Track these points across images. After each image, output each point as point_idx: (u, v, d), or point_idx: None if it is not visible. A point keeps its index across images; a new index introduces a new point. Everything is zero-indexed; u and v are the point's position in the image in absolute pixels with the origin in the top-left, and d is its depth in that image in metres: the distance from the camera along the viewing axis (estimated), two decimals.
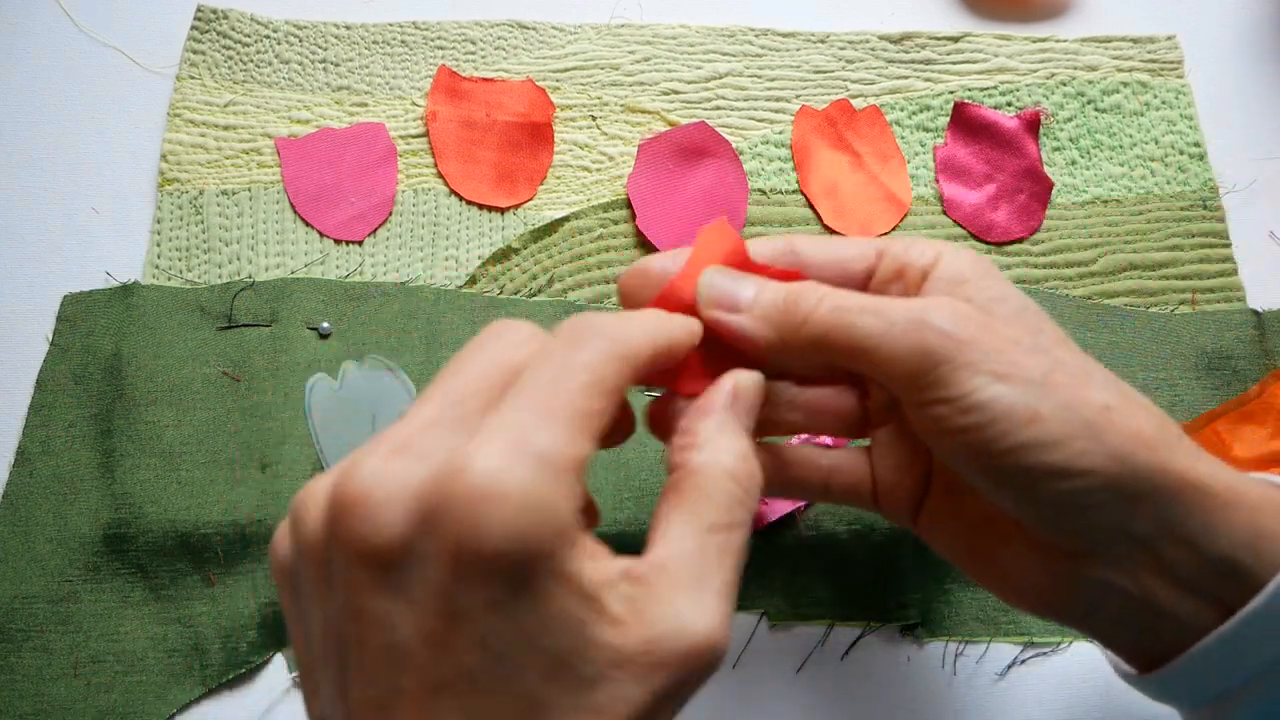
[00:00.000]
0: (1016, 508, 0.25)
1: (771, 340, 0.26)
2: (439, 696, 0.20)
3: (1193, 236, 0.44)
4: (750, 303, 0.26)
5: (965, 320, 0.25)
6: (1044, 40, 0.48)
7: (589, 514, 0.26)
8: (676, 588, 0.21)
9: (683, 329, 0.25)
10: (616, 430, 0.26)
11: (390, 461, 0.20)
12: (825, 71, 0.47)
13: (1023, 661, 0.36)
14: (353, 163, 0.45)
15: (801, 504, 0.38)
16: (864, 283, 0.28)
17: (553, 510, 0.20)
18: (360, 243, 0.43)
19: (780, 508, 0.37)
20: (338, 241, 0.43)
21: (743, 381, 0.25)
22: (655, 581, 0.21)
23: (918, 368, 0.24)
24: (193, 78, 0.46)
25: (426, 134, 0.45)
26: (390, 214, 0.44)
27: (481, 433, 0.20)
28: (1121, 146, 0.46)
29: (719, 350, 0.26)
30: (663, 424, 0.26)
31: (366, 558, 0.20)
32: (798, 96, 0.47)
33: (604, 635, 0.20)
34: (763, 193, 0.45)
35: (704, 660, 0.21)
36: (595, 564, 0.21)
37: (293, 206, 0.44)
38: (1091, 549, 0.25)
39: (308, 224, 0.43)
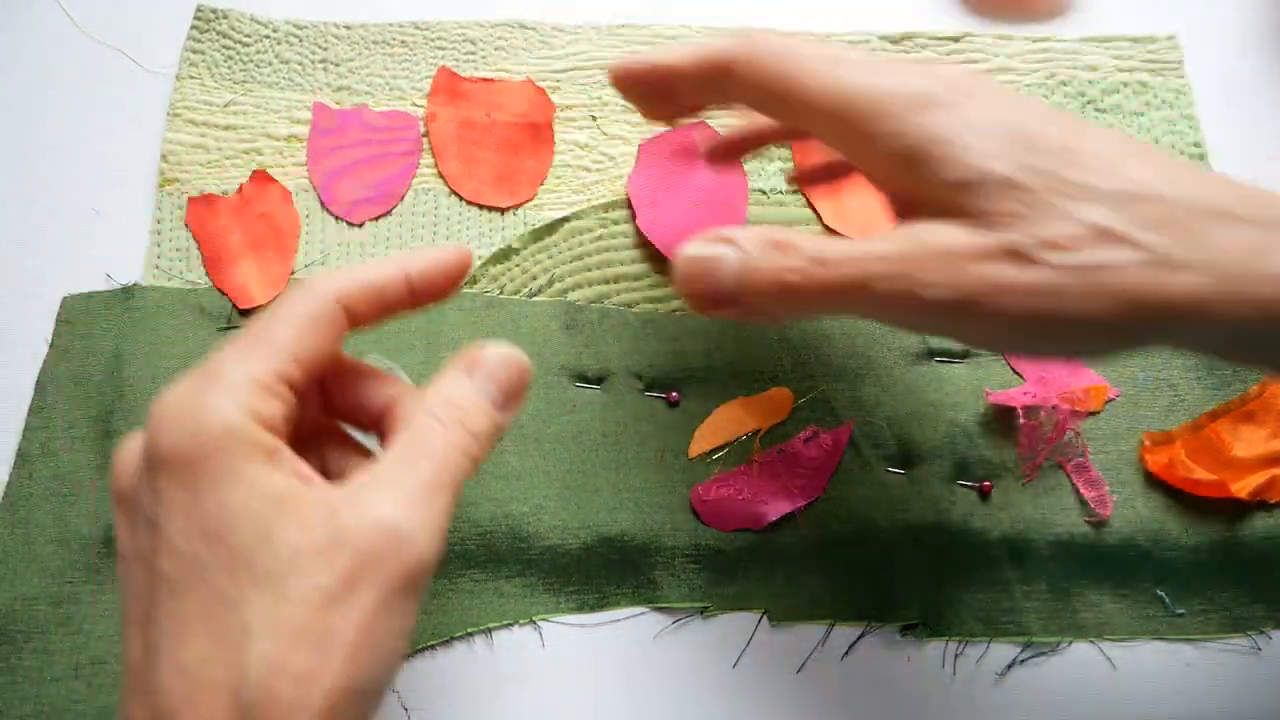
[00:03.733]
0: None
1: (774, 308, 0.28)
2: (154, 612, 0.22)
3: None
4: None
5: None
6: (1044, 40, 0.48)
7: (310, 434, 0.28)
8: (371, 490, 0.24)
9: (406, 268, 0.27)
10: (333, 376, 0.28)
11: (136, 433, 0.25)
12: None
13: (1023, 661, 0.36)
14: (378, 147, 0.45)
15: (801, 504, 0.38)
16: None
17: (219, 419, 0.23)
18: (359, 226, 0.44)
19: (780, 507, 0.38)
20: (337, 219, 0.44)
21: (489, 354, 0.27)
22: (354, 487, 0.24)
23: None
24: (193, 78, 0.46)
25: (426, 134, 0.45)
26: (394, 207, 0.44)
27: (187, 375, 0.24)
28: None
29: None
30: None
31: (120, 503, 0.24)
32: None
33: (289, 531, 0.22)
34: (763, 193, 0.45)
35: (383, 536, 0.23)
36: (287, 476, 0.23)
37: (307, 173, 0.44)
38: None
39: (321, 200, 0.44)
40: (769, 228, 0.28)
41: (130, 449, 0.25)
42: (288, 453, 0.24)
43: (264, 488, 0.23)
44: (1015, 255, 0.24)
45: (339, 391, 0.28)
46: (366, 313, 0.26)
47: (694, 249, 0.28)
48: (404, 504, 0.23)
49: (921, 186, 0.26)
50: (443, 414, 0.25)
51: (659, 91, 0.31)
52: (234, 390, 0.23)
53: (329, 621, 0.22)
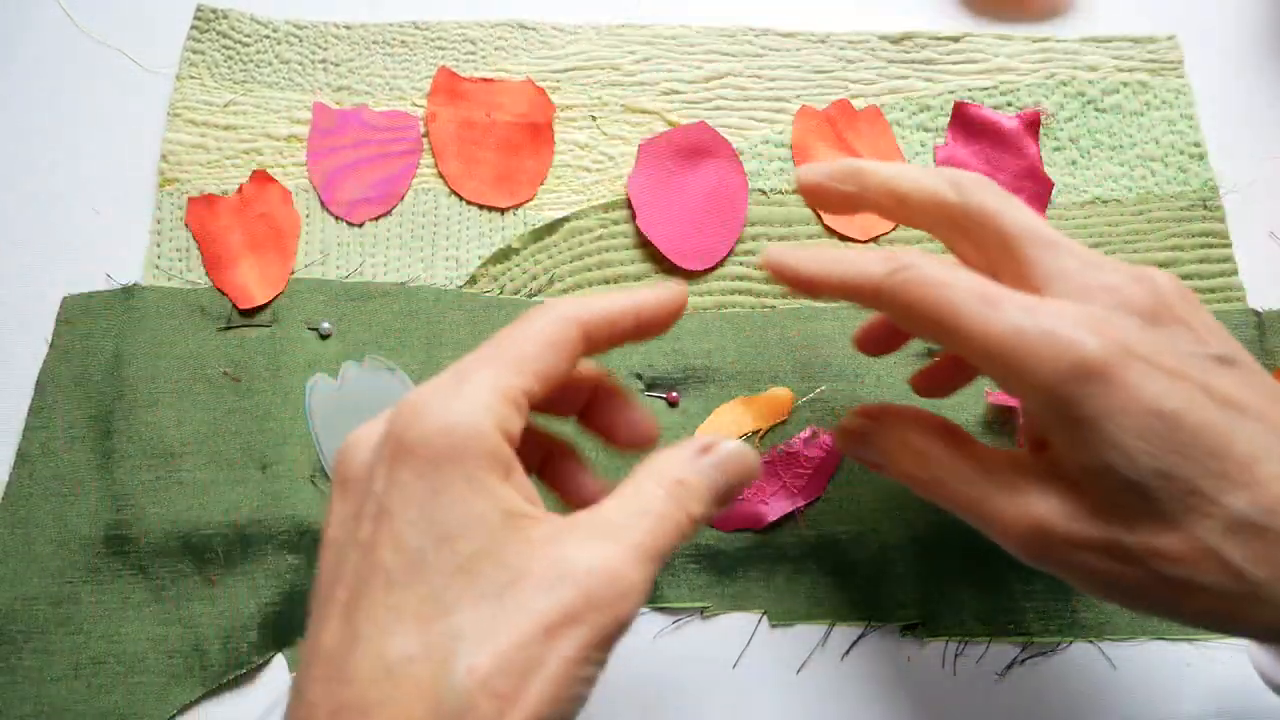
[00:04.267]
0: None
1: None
2: (363, 600, 0.22)
3: (1193, 236, 0.44)
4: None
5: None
6: (1044, 40, 0.48)
7: (536, 454, 0.29)
8: (591, 533, 0.24)
9: (638, 304, 0.28)
10: (569, 396, 0.29)
11: (375, 420, 0.25)
12: (825, 71, 0.47)
13: (1023, 661, 0.36)
14: (378, 148, 0.45)
15: (801, 504, 0.38)
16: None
17: (471, 421, 0.23)
18: (359, 225, 0.44)
19: (780, 507, 0.38)
20: (337, 219, 0.44)
21: (727, 445, 0.27)
22: (576, 527, 0.24)
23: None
24: (193, 78, 0.46)
25: (426, 134, 0.45)
26: (394, 207, 0.44)
27: (435, 377, 0.25)
28: (1121, 146, 0.46)
29: None
30: None
31: (345, 486, 0.25)
32: (798, 96, 0.47)
33: (514, 549, 0.23)
34: (763, 193, 0.45)
35: (609, 584, 0.23)
36: (520, 496, 0.24)
37: (307, 173, 0.44)
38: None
39: (321, 200, 0.44)
40: (912, 423, 0.30)
41: (365, 434, 0.25)
42: (520, 472, 0.24)
43: (500, 502, 0.23)
44: (1118, 553, 0.25)
45: (594, 413, 0.29)
46: (599, 342, 0.27)
47: (849, 421, 0.32)
48: (628, 559, 0.23)
49: (1057, 446, 0.26)
50: (670, 486, 0.25)
51: (806, 294, 0.31)
52: (485, 397, 0.24)
53: (539, 652, 0.22)
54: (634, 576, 0.23)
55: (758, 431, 0.39)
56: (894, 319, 0.28)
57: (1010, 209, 0.29)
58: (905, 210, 0.30)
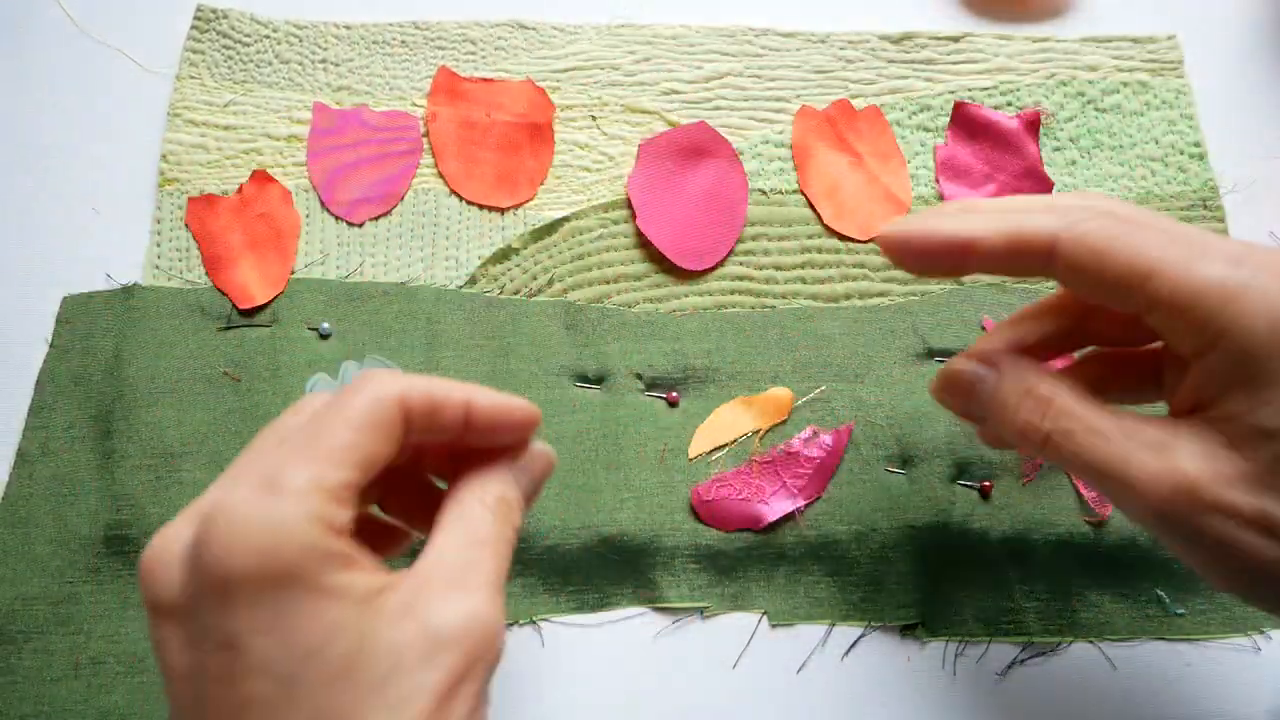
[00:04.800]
0: None
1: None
2: None
3: None
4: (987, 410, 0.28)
5: (1189, 511, 0.24)
6: (1044, 40, 0.48)
7: (373, 533, 0.28)
8: (446, 585, 0.23)
9: (470, 397, 0.26)
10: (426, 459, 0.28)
11: (171, 526, 0.23)
12: (825, 71, 0.47)
13: (1023, 661, 0.36)
14: (378, 148, 0.45)
15: (801, 504, 0.38)
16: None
17: (293, 531, 0.21)
18: (359, 225, 0.44)
19: (780, 507, 0.38)
20: (337, 219, 0.44)
21: (534, 450, 0.27)
22: (428, 582, 0.23)
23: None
24: (193, 78, 0.46)
25: (426, 134, 0.45)
26: (394, 207, 0.44)
27: (238, 479, 0.23)
28: (1121, 146, 0.46)
29: None
30: None
31: (158, 613, 0.23)
32: (798, 96, 0.47)
33: (384, 634, 0.22)
34: (763, 193, 0.45)
35: (482, 636, 0.23)
36: (366, 576, 0.23)
37: (307, 173, 0.44)
38: None
39: (321, 200, 0.44)
40: (1034, 369, 0.27)
41: (163, 553, 0.23)
42: (359, 555, 0.23)
43: (348, 595, 0.22)
44: (1266, 526, 0.23)
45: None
46: (420, 426, 0.25)
47: (960, 363, 0.29)
48: (487, 601, 0.23)
49: (1232, 405, 0.24)
50: (494, 505, 0.25)
51: (946, 262, 0.28)
52: (304, 502, 0.22)
53: (446, 714, 0.22)
54: (496, 616, 0.23)
55: (758, 431, 0.39)
56: (1068, 274, 0.26)
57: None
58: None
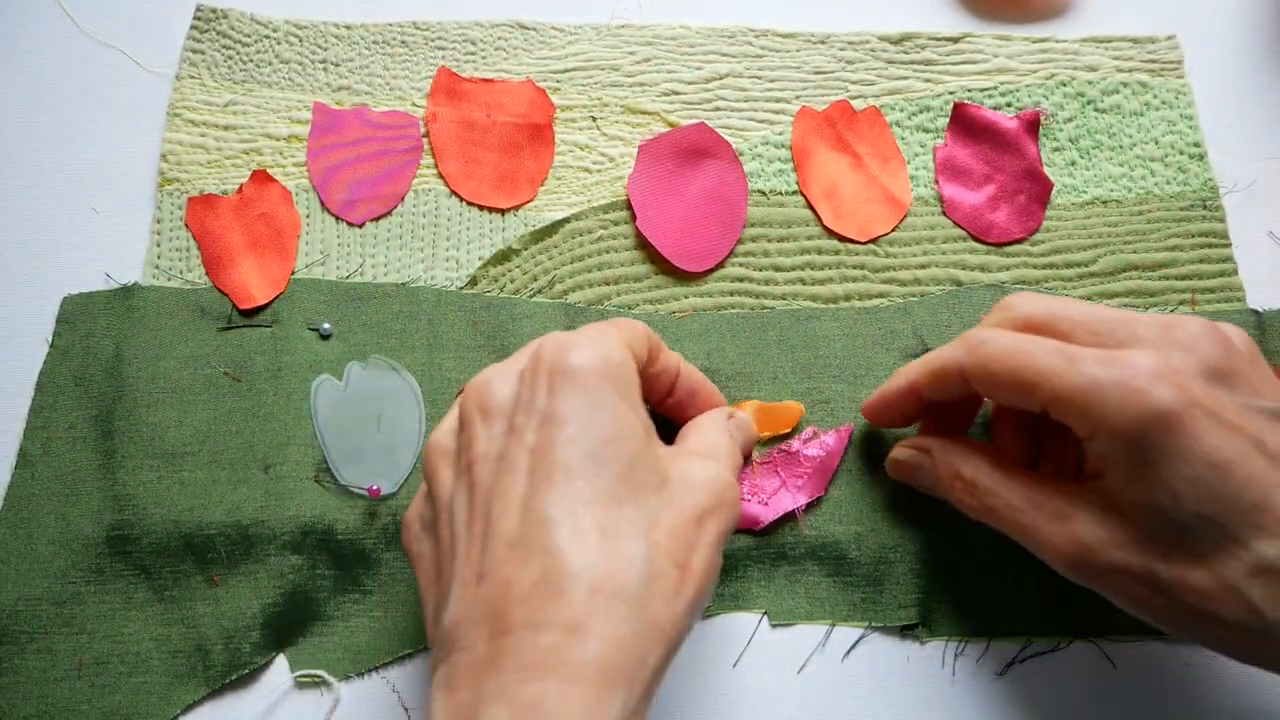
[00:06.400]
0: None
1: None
2: (542, 492, 0.26)
3: (1193, 236, 0.44)
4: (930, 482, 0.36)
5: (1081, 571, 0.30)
6: (1044, 40, 0.48)
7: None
8: (698, 456, 0.31)
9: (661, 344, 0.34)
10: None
11: (496, 367, 0.30)
12: (825, 72, 0.47)
13: (1022, 661, 0.36)
14: (378, 147, 0.45)
15: (802, 504, 0.38)
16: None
17: (619, 355, 0.29)
18: (359, 226, 0.44)
19: (780, 507, 0.38)
20: (337, 219, 0.44)
21: (741, 415, 0.37)
22: (686, 451, 0.31)
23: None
24: (192, 78, 0.46)
25: (427, 135, 0.45)
26: (394, 207, 0.44)
27: (547, 339, 0.30)
28: (1121, 147, 0.46)
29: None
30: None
31: (489, 413, 0.29)
32: (798, 97, 0.47)
33: (656, 459, 0.28)
34: (763, 194, 0.45)
35: (724, 488, 0.29)
36: (647, 416, 0.29)
37: (307, 173, 0.44)
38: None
39: (321, 200, 0.44)
40: (959, 451, 0.34)
41: (500, 372, 0.29)
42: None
43: (642, 419, 0.29)
44: (1150, 581, 0.28)
45: None
46: (654, 355, 0.33)
47: (900, 452, 0.37)
48: (730, 473, 0.31)
49: (1113, 480, 0.29)
50: (721, 430, 0.34)
51: (909, 406, 0.36)
52: (621, 344, 0.29)
53: (695, 534, 0.27)
54: (736, 487, 0.30)
55: (760, 438, 0.39)
56: (980, 389, 0.32)
57: (1069, 310, 0.32)
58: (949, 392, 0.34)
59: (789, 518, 0.38)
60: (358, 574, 0.37)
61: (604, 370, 0.28)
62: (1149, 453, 0.27)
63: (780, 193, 0.45)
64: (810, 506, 0.38)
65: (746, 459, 0.38)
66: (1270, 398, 0.29)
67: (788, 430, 0.40)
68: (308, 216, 0.44)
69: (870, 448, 0.39)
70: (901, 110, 0.46)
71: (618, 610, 0.25)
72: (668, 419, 0.36)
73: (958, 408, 0.37)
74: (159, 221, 0.43)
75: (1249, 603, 0.27)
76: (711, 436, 0.33)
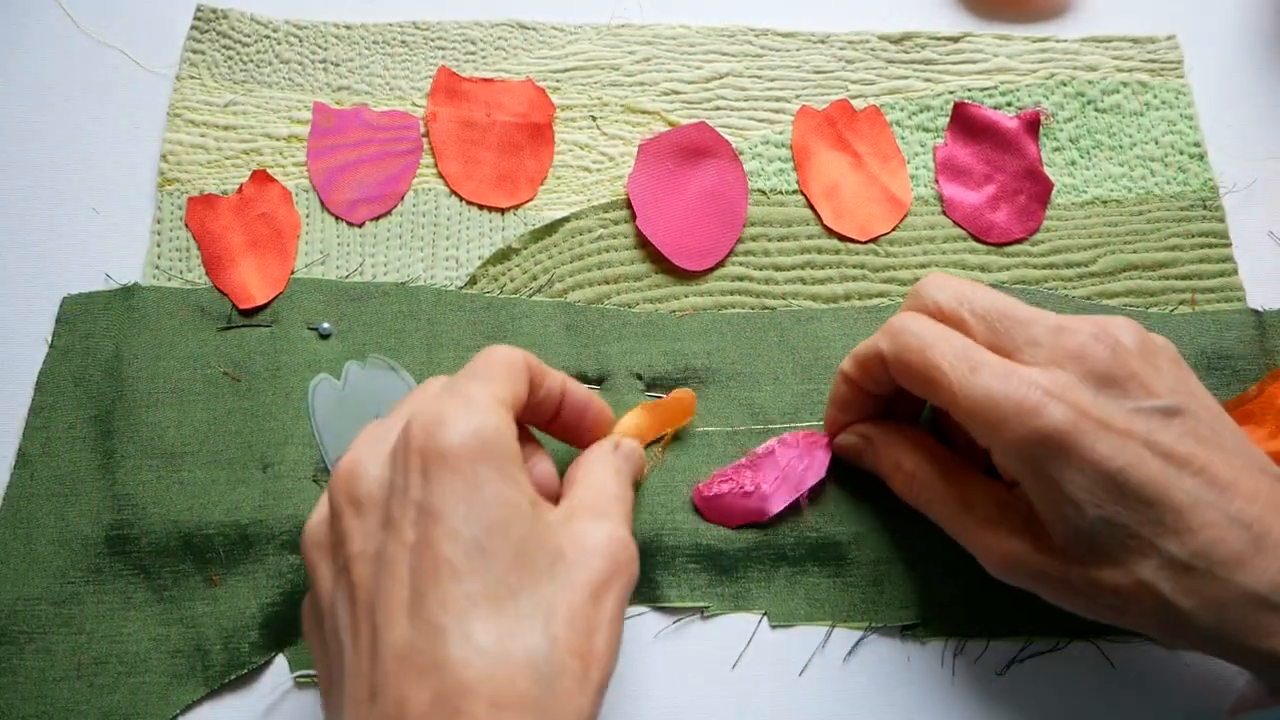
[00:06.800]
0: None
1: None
2: (431, 595, 0.24)
3: (1193, 236, 0.44)
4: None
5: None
6: (1044, 40, 0.48)
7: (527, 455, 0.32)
8: (590, 514, 0.29)
9: (553, 373, 0.33)
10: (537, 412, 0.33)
11: (358, 447, 0.28)
12: (825, 71, 0.47)
13: (1022, 661, 0.36)
14: (378, 147, 0.45)
15: (805, 492, 0.37)
16: None
17: (493, 424, 0.27)
18: (359, 225, 0.44)
19: (782, 499, 0.37)
20: (337, 219, 0.44)
21: (625, 444, 0.34)
22: (576, 510, 0.29)
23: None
24: (193, 78, 0.46)
25: (427, 134, 0.45)
26: (394, 207, 0.44)
27: (417, 404, 0.28)
28: (1121, 146, 0.46)
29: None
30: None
31: (355, 507, 0.27)
32: (798, 96, 0.47)
33: (546, 533, 0.27)
34: (763, 193, 0.45)
35: (621, 550, 0.28)
36: (529, 485, 0.27)
37: (307, 173, 0.44)
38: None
39: (321, 200, 0.44)
40: (901, 443, 0.35)
41: (365, 456, 0.28)
42: (525, 471, 0.28)
43: (526, 491, 0.27)
44: (1068, 583, 0.30)
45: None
46: (535, 383, 0.31)
47: (844, 439, 0.37)
48: (626, 529, 0.29)
49: (1027, 490, 0.30)
50: (619, 476, 0.32)
51: (852, 393, 0.36)
52: (493, 405, 0.27)
53: (594, 613, 0.26)
54: (630, 540, 0.29)
55: (661, 438, 0.39)
56: (898, 379, 0.32)
57: (974, 301, 0.32)
58: (879, 383, 0.34)
59: (794, 507, 0.38)
60: None
61: (478, 449, 0.26)
62: (1045, 467, 0.28)
63: (780, 192, 0.45)
64: (814, 497, 0.38)
65: (638, 487, 0.37)
66: (1164, 394, 0.29)
67: (686, 421, 0.39)
68: (308, 216, 0.44)
69: None
70: (901, 110, 0.46)
71: None
72: (557, 439, 0.35)
73: (907, 399, 0.36)
74: (159, 221, 0.43)
75: (1162, 597, 0.28)
76: (600, 479, 0.31)
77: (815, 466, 0.38)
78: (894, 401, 0.36)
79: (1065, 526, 0.29)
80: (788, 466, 0.38)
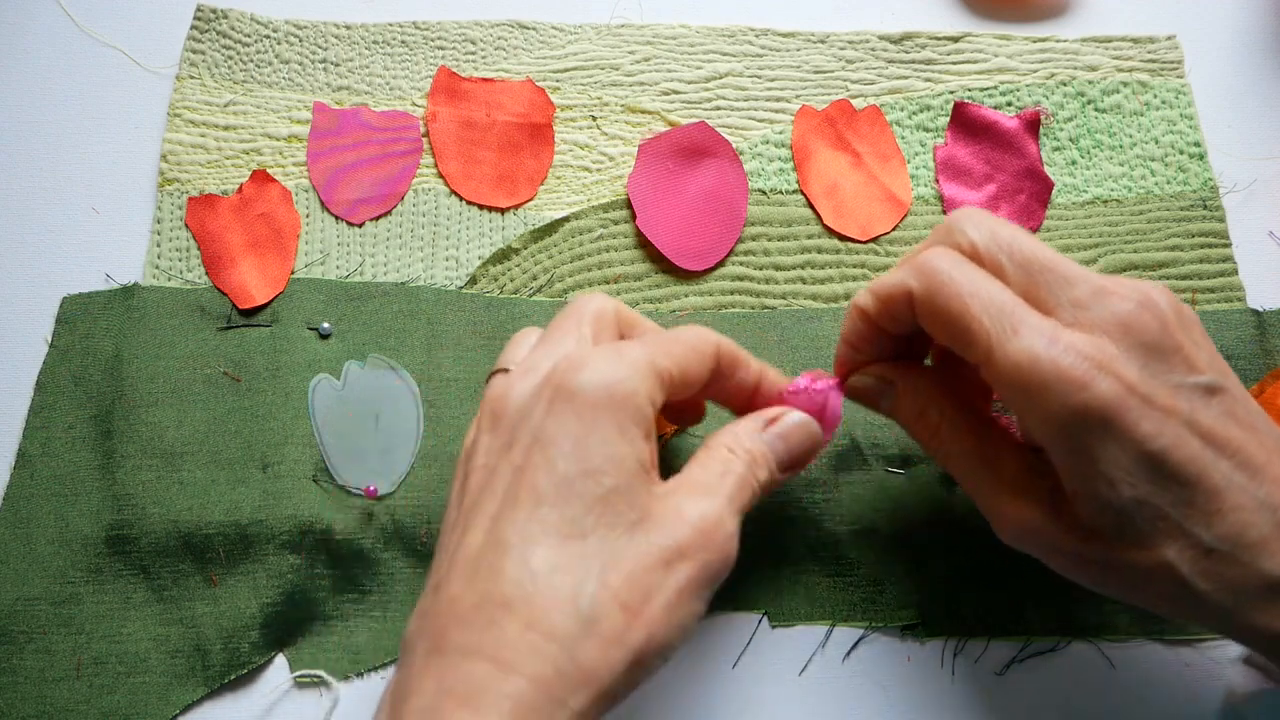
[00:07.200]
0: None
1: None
2: (509, 513, 0.26)
3: (1193, 236, 0.44)
4: (890, 411, 0.33)
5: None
6: (1044, 40, 0.48)
7: (667, 420, 0.34)
8: (694, 490, 0.29)
9: (745, 359, 0.32)
10: (688, 408, 0.35)
11: (520, 370, 0.30)
12: (825, 71, 0.47)
13: (1022, 661, 0.36)
14: (378, 147, 0.45)
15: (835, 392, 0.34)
16: None
17: (629, 381, 0.27)
18: (359, 225, 0.44)
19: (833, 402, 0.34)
20: (337, 219, 0.44)
21: (789, 417, 0.32)
22: (682, 485, 0.29)
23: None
24: (193, 78, 0.46)
25: (427, 134, 0.45)
26: (394, 207, 0.44)
27: (594, 348, 0.29)
28: (1121, 146, 0.46)
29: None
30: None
31: (497, 421, 0.29)
32: (798, 96, 0.47)
33: (643, 494, 0.27)
34: (763, 193, 0.45)
35: (714, 528, 0.28)
36: (650, 452, 0.28)
37: (307, 173, 0.44)
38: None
39: (320, 200, 0.44)
40: (927, 388, 0.32)
41: (520, 380, 0.29)
42: (654, 437, 0.29)
43: (639, 453, 0.27)
44: (1087, 559, 0.29)
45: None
46: (726, 369, 0.31)
47: (862, 380, 0.33)
48: (724, 510, 0.28)
49: (1057, 461, 0.28)
50: (739, 451, 0.30)
51: (865, 328, 0.32)
52: (640, 368, 0.28)
53: (658, 578, 0.26)
54: (729, 524, 0.28)
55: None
56: (923, 321, 0.30)
57: (1014, 247, 0.29)
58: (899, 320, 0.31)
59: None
60: (356, 574, 0.37)
61: (604, 398, 0.27)
62: (1084, 442, 0.27)
63: (780, 192, 0.45)
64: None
65: (801, 464, 0.33)
66: (1204, 369, 0.28)
67: (696, 422, 0.37)
68: (308, 216, 0.44)
69: (870, 448, 0.39)
70: (902, 109, 0.46)
71: (545, 649, 0.24)
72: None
73: (922, 337, 0.33)
74: (159, 221, 0.43)
75: (1180, 578, 0.27)
76: (721, 460, 0.30)
77: (831, 408, 0.34)
78: (912, 339, 0.34)
79: (1096, 503, 0.27)
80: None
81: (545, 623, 0.25)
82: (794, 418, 0.32)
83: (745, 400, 0.33)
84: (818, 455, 0.33)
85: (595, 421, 0.27)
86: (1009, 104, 0.46)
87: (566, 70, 0.47)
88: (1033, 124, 0.46)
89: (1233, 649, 0.36)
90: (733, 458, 0.30)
